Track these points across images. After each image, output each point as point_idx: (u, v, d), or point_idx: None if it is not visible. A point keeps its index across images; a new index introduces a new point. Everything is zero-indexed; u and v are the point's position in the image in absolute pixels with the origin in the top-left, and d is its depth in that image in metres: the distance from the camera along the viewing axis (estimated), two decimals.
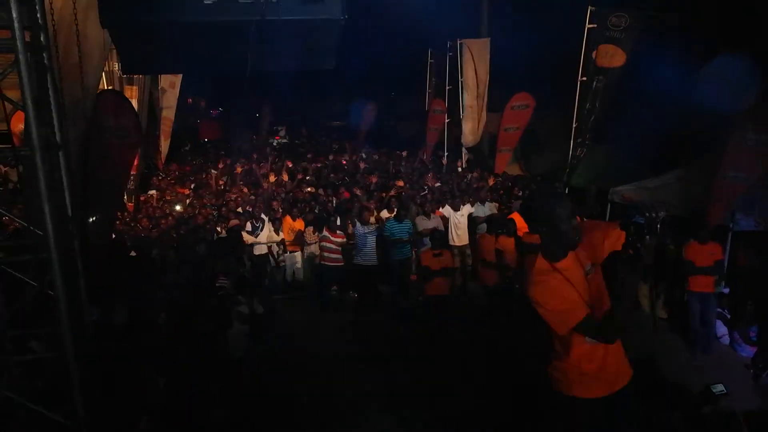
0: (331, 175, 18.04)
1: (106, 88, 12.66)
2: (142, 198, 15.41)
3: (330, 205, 14.25)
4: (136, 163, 14.34)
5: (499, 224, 10.99)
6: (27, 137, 5.24)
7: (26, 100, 5.21)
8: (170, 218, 13.74)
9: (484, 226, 12.76)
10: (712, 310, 9.47)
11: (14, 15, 5.12)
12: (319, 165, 20.00)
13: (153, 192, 16.53)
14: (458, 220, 12.81)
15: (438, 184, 16.02)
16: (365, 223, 11.68)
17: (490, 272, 10.68)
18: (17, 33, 5.14)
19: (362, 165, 19.89)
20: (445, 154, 21.42)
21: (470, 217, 13.04)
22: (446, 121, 21.50)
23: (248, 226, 12.49)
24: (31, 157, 5.25)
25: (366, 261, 11.54)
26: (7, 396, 5.53)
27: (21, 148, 5.33)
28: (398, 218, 11.86)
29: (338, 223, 12.24)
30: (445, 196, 14.11)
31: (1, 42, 5.29)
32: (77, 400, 5.65)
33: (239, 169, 17.98)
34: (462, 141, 20.65)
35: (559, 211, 4.13)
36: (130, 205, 14.48)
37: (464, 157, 20.60)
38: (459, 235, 12.86)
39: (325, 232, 11.81)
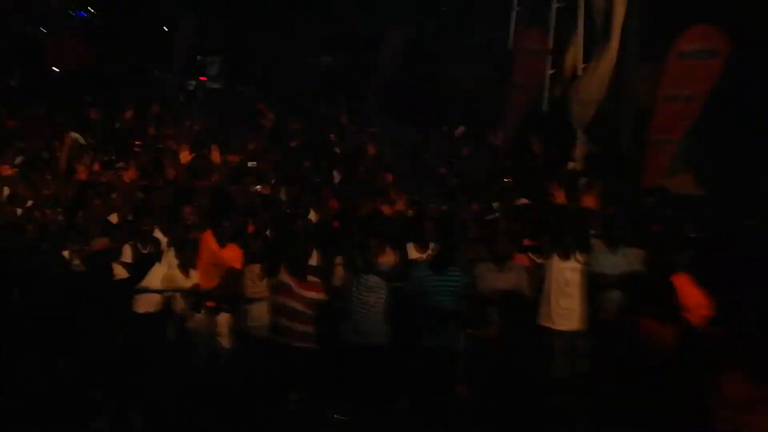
0: (305, 162, 13.42)
1: None
2: None
3: (300, 223, 10.17)
4: None
5: (651, 295, 7.82)
6: None
7: None
8: None
9: (617, 294, 8.63)
10: None
11: None
12: (283, 140, 15.24)
13: None
14: (566, 277, 8.72)
15: (524, 200, 11.62)
16: (369, 266, 8.49)
17: None
18: None
19: (371, 149, 14.62)
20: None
21: (589, 273, 8.84)
22: (549, 72, 16.27)
23: (126, 253, 9.09)
24: None
25: (364, 339, 8.38)
26: None
27: None
28: (438, 264, 8.62)
29: (314, 262, 8.93)
30: (541, 225, 9.93)
31: None
32: None
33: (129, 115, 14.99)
34: (573, 115, 15.11)
35: None
36: None
37: (578, 147, 15.27)
38: (566, 309, 8.71)
39: (286, 279, 8.37)
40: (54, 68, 24.81)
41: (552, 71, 16.41)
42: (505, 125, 16.38)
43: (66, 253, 8.76)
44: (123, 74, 23.46)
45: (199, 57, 27.54)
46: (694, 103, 13.48)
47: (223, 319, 8.83)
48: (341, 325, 8.37)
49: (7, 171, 11.56)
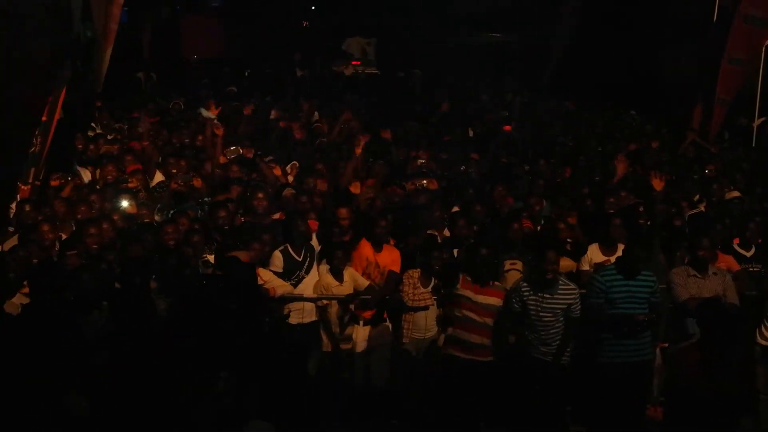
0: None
1: None
2: (54, 182, 11.07)
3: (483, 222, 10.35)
4: (59, 103, 10.78)
5: None
6: None
7: None
8: (105, 227, 9.28)
9: None
10: None
11: None
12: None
13: (84, 170, 11.88)
14: None
15: (735, 193, 11.58)
16: (553, 279, 8.52)
17: None
18: None
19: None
20: (756, 122, 17.27)
21: None
22: (766, 43, 16.97)
23: (276, 261, 9.11)
24: None
25: (547, 353, 8.56)
26: None
27: None
28: (628, 267, 8.63)
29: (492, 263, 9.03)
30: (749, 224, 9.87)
31: None
32: None
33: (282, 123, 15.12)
34: None
35: None
36: (24, 189, 10.44)
37: None
38: None
39: (462, 287, 8.61)
40: (192, 56, 26.31)
41: None
42: (714, 106, 16.99)
43: (206, 256, 8.96)
44: (263, 64, 24.79)
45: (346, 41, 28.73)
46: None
47: (384, 329, 9.12)
48: (522, 337, 8.50)
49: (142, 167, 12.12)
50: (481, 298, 8.42)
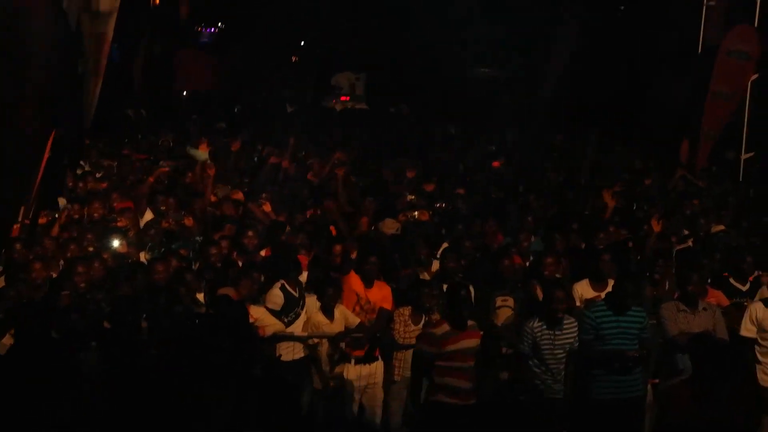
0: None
1: None
2: (42, 220, 11.05)
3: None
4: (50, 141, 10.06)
5: None
6: None
7: None
8: (95, 265, 9.29)
9: None
10: None
11: None
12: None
13: (69, 205, 11.79)
14: None
15: (720, 227, 11.79)
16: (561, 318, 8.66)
17: None
18: None
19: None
20: (744, 155, 17.40)
21: None
22: (752, 77, 17.13)
23: (276, 298, 9.04)
24: None
25: (559, 389, 8.59)
26: None
27: None
28: (618, 303, 8.63)
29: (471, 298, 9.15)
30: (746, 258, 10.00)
31: None
32: None
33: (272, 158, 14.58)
34: None
35: None
36: (14, 228, 10.01)
37: None
38: None
39: (438, 330, 8.45)
40: (183, 91, 26.25)
41: (755, 77, 16.86)
42: (700, 141, 17.19)
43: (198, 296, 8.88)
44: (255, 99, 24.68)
45: (336, 76, 28.73)
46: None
47: (376, 367, 8.99)
48: (515, 377, 8.47)
49: (131, 204, 12.00)
50: (461, 344, 8.33)
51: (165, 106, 24.87)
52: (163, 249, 9.92)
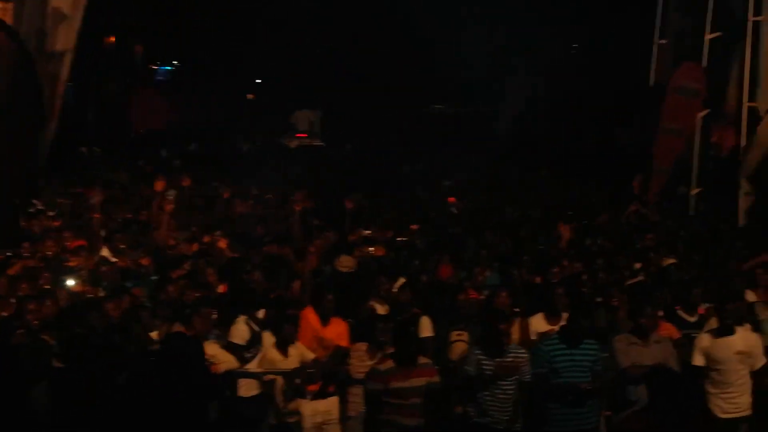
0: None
1: None
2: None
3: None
4: None
5: None
6: None
7: None
8: (47, 304, 9.27)
9: None
10: None
11: None
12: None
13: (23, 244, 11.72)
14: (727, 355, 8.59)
15: (670, 260, 11.85)
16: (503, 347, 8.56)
17: None
18: None
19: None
20: (694, 190, 17.72)
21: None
22: (700, 114, 17.53)
23: (241, 333, 9.02)
24: None
25: (496, 423, 8.37)
26: None
27: None
28: (571, 336, 8.54)
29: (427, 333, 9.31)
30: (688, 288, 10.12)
31: None
32: None
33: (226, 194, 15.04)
34: (745, 163, 16.52)
35: None
36: None
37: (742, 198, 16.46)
38: (736, 398, 8.64)
39: (386, 368, 8.34)
40: (140, 130, 26.31)
41: (703, 113, 17.18)
42: (652, 176, 17.51)
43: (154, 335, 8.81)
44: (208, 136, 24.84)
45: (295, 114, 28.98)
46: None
47: (332, 403, 8.91)
48: (467, 405, 8.35)
49: (84, 242, 11.95)
50: (410, 381, 8.22)
51: (119, 144, 24.77)
52: (118, 287, 9.89)
